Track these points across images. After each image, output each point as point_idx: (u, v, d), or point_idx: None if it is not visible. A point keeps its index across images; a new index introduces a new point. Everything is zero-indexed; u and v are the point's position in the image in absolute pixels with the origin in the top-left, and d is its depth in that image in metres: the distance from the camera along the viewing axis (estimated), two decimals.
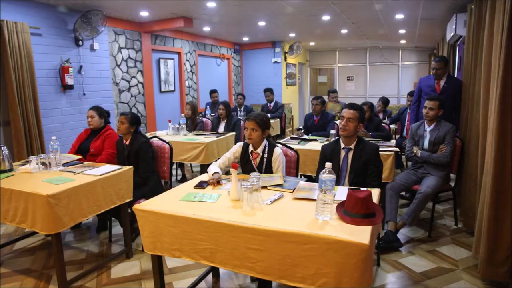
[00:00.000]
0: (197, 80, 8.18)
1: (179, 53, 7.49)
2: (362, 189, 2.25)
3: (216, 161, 2.83)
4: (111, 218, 3.43)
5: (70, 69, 4.87)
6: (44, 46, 4.64)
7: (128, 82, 6.14)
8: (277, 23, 7.08)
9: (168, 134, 4.85)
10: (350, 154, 2.73)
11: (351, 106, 2.71)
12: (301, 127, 4.85)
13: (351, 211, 1.80)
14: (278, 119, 6.78)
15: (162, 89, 7.03)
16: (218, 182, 2.44)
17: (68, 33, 4.96)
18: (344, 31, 8.06)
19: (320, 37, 9.26)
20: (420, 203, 3.31)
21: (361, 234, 1.64)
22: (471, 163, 3.55)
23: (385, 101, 6.27)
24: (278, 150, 2.78)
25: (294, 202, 2.10)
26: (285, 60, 10.20)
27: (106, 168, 2.84)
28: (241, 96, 7.40)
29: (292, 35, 8.77)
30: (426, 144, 3.67)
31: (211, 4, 5.12)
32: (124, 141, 3.34)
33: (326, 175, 1.78)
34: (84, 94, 5.20)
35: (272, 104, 7.05)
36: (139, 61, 6.33)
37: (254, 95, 10.23)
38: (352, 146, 2.73)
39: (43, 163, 2.88)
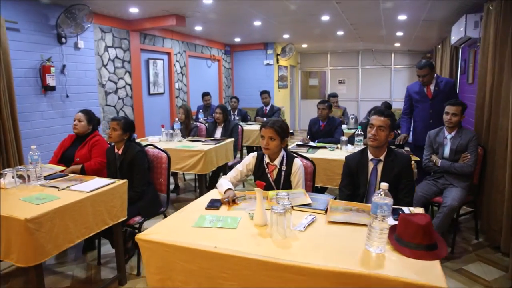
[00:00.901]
0: (187, 82, 7.77)
1: (169, 54, 7.08)
2: (412, 210, 1.93)
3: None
4: (100, 236, 3.01)
5: (51, 68, 4.41)
6: (23, 43, 4.17)
7: (115, 83, 5.70)
8: (273, 23, 6.76)
9: (161, 140, 4.44)
10: (380, 167, 2.40)
11: (381, 112, 2.38)
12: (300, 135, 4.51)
13: (411, 241, 1.46)
14: None
15: (151, 92, 6.60)
16: (233, 201, 2.07)
17: (50, 29, 4.50)
18: (340, 32, 7.80)
19: (314, 38, 8.98)
20: (446, 217, 3.01)
21: (432, 273, 1.30)
22: (496, 173, 3.28)
23: (387, 105, 6.00)
24: (298, 162, 2.43)
25: (330, 227, 1.75)
26: (277, 62, 9.89)
27: (96, 183, 2.43)
28: (235, 100, 7.02)
29: (286, 36, 8.46)
30: (446, 152, 3.39)
31: (208, 1, 4.75)
32: (116, 150, 2.93)
33: (382, 198, 1.44)
34: (67, 96, 4.73)
35: (268, 108, 6.70)
36: (127, 61, 5.89)
37: (246, 98, 9.87)
38: (382, 158, 2.40)
39: (21, 177, 2.45)
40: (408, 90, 4.11)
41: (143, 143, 3.35)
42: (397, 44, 9.51)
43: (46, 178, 2.58)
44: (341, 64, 11.73)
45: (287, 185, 2.41)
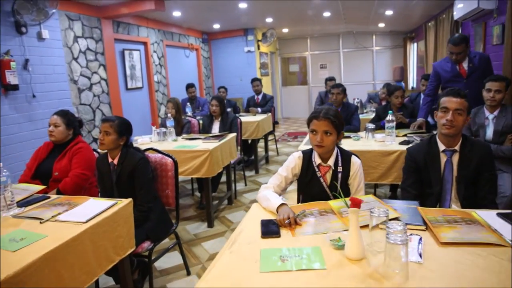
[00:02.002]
0: (166, 74, 7.07)
1: (145, 44, 6.36)
2: None
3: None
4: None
5: (12, 63, 3.67)
6: None
7: (89, 79, 4.96)
8: (259, 5, 6.19)
9: (152, 140, 3.81)
10: (455, 159, 1.92)
11: (457, 93, 1.89)
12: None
13: None
14: (270, 114, 5.90)
15: (129, 86, 5.89)
16: (295, 222, 1.53)
17: (6, 16, 3.74)
18: (326, 14, 7.32)
19: (297, 22, 8.47)
20: (507, 208, 2.59)
21: None
22: None
23: (389, 88, 5.57)
24: (356, 160, 1.92)
25: (447, 250, 1.25)
26: (258, 49, 9.31)
27: (93, 207, 1.82)
28: (223, 90, 6.44)
29: (269, 20, 7.90)
30: (489, 134, 2.98)
31: None
32: (110, 160, 2.30)
33: None
34: (33, 96, 4.00)
35: (260, 97, 6.14)
36: (100, 53, 5.15)
37: (227, 88, 9.24)
38: (457, 147, 1.92)
39: None
40: (436, 68, 3.65)
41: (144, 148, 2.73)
42: (381, 25, 9.14)
43: (20, 204, 1.94)
44: (322, 48, 11.29)
45: (345, 191, 1.90)
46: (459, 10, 5.05)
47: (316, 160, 1.91)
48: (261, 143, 6.14)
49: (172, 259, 2.86)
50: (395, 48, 10.67)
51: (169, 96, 7.13)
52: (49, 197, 2.05)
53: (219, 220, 3.69)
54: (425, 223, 1.43)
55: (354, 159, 1.92)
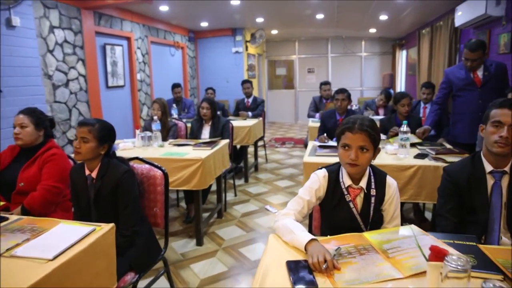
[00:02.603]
0: (150, 72, 6.64)
1: (128, 39, 5.92)
2: None
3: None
4: None
5: None
6: None
7: (66, 74, 4.50)
8: (251, 4, 5.87)
9: (135, 145, 3.40)
10: (505, 182, 1.63)
11: (511, 104, 1.59)
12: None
13: None
14: (260, 118, 5.56)
15: (110, 84, 5.43)
16: (334, 266, 1.18)
17: None
18: (319, 16, 7.07)
19: (288, 23, 8.19)
20: None
21: None
22: None
23: (387, 95, 5.35)
24: (392, 182, 1.61)
25: None
26: (246, 50, 8.98)
27: (64, 235, 1.43)
28: (211, 91, 6.06)
29: (259, 20, 7.58)
30: None
31: None
32: (87, 172, 1.90)
33: None
34: (0, 91, 3.52)
35: (250, 100, 5.79)
36: (79, 46, 4.69)
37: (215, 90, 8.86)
38: (507, 169, 1.63)
39: None
40: (448, 75, 3.40)
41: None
42: (372, 30, 8.98)
43: None
44: (310, 52, 11.06)
45: (378, 219, 1.58)
46: (460, 17, 4.87)
47: (345, 180, 1.58)
48: (250, 149, 5.79)
49: (158, 284, 2.47)
50: (384, 54, 10.55)
51: (152, 96, 6.69)
52: (7, 218, 1.64)
53: (209, 237, 3.31)
54: (499, 270, 1.12)
55: (389, 180, 1.60)
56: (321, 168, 1.68)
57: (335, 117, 3.71)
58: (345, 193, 1.58)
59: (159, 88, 6.95)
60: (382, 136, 3.00)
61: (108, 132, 1.90)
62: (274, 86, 11.88)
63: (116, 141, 3.68)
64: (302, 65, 11.20)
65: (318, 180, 1.62)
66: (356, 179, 1.57)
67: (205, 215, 3.58)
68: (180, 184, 2.95)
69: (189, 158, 2.93)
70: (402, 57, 9.78)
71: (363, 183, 1.57)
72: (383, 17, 6.98)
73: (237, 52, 8.74)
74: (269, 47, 11.21)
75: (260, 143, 6.05)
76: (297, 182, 4.90)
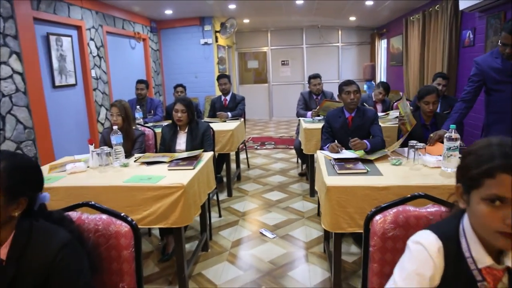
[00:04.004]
0: (107, 68, 5.67)
1: (78, 28, 4.93)
2: None
3: None
4: None
5: None
6: None
7: None
8: None
9: (90, 167, 2.54)
10: None
11: None
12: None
13: None
14: (242, 120, 4.77)
15: (57, 83, 4.45)
16: None
17: None
18: (299, 1, 6.36)
19: (263, 10, 7.41)
20: None
21: None
22: None
23: (386, 87, 4.73)
24: None
25: None
26: (216, 41, 8.14)
27: None
28: (181, 89, 5.21)
29: (231, 6, 6.75)
30: None
31: None
32: None
33: None
34: None
35: (228, 98, 4.98)
36: (11, 36, 3.70)
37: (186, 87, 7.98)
38: None
39: None
40: (480, 65, 2.77)
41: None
42: (352, 18, 8.39)
43: None
44: (283, 43, 10.36)
45: None
46: (465, 1, 4.30)
47: (478, 256, 0.86)
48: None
49: None
50: (362, 44, 10.04)
51: (111, 96, 5.73)
52: None
53: (194, 281, 2.52)
54: None
55: None
56: (425, 229, 0.94)
57: (343, 115, 2.98)
58: (479, 278, 0.86)
59: (119, 86, 6.00)
60: (418, 143, 2.32)
61: (25, 176, 1.06)
62: (246, 80, 11.08)
63: (64, 159, 2.81)
64: (275, 57, 10.48)
65: (428, 259, 0.88)
66: (495, 252, 0.85)
67: (187, 246, 2.79)
68: (154, 222, 2.14)
69: (166, 185, 2.11)
70: (382, 46, 9.28)
71: (509, 260, 0.85)
72: (369, 2, 6.37)
73: (206, 43, 7.88)
74: (239, 38, 10.39)
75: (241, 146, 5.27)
76: (290, 193, 4.18)
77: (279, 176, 4.89)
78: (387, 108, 4.78)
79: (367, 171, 2.18)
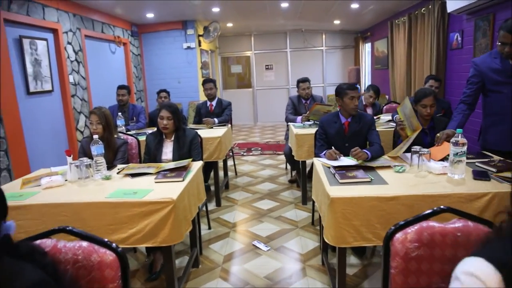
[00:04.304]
0: (86, 74, 5.41)
1: (55, 31, 4.67)
2: None
3: None
4: None
5: None
6: None
7: None
8: None
9: (68, 180, 2.31)
10: None
11: None
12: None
13: None
14: (229, 126, 4.59)
15: (32, 89, 4.18)
16: None
17: None
18: (284, 4, 6.26)
19: (248, 14, 7.28)
20: None
21: None
22: None
23: (376, 90, 4.64)
24: None
25: None
26: (199, 45, 7.95)
27: None
28: (165, 94, 5.00)
29: (215, 9, 6.59)
30: None
31: None
32: None
33: None
34: None
35: (214, 103, 4.80)
36: None
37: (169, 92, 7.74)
38: None
39: None
40: (478, 65, 2.68)
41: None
42: (336, 21, 8.34)
43: None
44: (267, 47, 10.25)
45: None
46: (453, 2, 4.27)
47: None
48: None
49: None
50: (346, 48, 10.02)
51: (90, 103, 5.47)
52: None
53: None
54: None
55: None
56: (474, 256, 0.79)
57: (339, 120, 2.84)
58: None
59: (99, 93, 5.74)
60: (422, 149, 2.19)
61: None
62: (229, 85, 10.92)
63: (40, 172, 2.57)
64: (259, 62, 10.35)
65: None
66: None
67: (176, 262, 2.58)
68: (141, 240, 1.93)
69: (153, 200, 1.92)
70: (366, 50, 9.28)
71: None
72: (354, 5, 6.31)
73: (189, 47, 7.68)
74: (222, 42, 10.23)
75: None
76: (282, 202, 4.02)
77: (268, 183, 4.73)
78: (377, 111, 4.70)
79: (371, 179, 2.04)
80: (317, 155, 2.77)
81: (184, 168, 2.41)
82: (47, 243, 1.11)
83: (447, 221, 1.23)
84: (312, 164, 4.54)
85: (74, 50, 5.11)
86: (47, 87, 4.52)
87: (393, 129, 3.46)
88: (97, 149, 2.36)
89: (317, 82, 10.05)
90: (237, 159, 6.09)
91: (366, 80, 9.39)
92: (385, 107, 5.15)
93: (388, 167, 2.28)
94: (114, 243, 1.13)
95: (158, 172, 2.37)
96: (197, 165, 2.58)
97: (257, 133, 9.04)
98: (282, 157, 5.87)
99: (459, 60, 4.66)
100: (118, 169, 2.55)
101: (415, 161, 2.17)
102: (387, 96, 7.19)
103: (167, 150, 2.94)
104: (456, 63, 4.72)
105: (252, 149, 6.95)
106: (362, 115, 2.86)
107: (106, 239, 1.13)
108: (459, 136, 2.01)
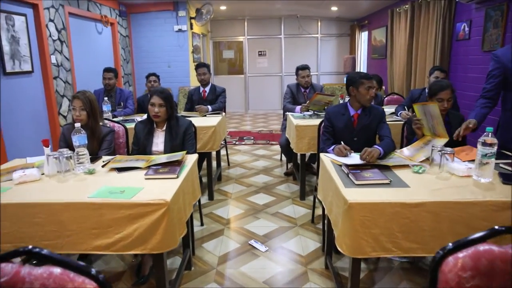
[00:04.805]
0: (70, 54, 5.05)
1: (34, 6, 4.29)
2: None
3: None
4: None
5: None
6: None
7: None
8: None
9: (46, 174, 2.04)
10: None
11: None
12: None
13: None
14: (224, 114, 4.32)
15: (9, 69, 3.83)
16: None
17: None
18: None
19: None
20: None
21: None
22: None
23: (379, 80, 4.42)
24: None
25: None
26: (191, 28, 7.59)
27: None
28: (155, 78, 4.68)
29: None
30: None
31: None
32: None
33: None
34: None
35: (207, 89, 4.51)
36: None
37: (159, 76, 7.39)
38: None
39: None
40: (499, 58, 2.47)
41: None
42: (334, 8, 8.06)
43: None
44: (261, 33, 9.91)
45: None
46: None
47: None
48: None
49: None
50: (341, 36, 9.75)
51: (75, 85, 5.12)
52: None
53: None
54: None
55: None
56: None
57: (347, 112, 2.60)
58: None
59: (85, 75, 5.39)
60: (446, 147, 1.97)
61: None
62: (220, 71, 10.57)
63: (14, 163, 2.29)
64: (252, 47, 10.02)
65: None
66: None
67: (173, 271, 2.35)
68: (128, 247, 1.68)
69: (144, 201, 1.66)
70: (362, 39, 9.04)
71: None
72: None
73: (180, 30, 7.32)
74: (214, 26, 9.85)
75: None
76: (278, 196, 3.80)
77: (263, 175, 4.50)
78: (378, 103, 4.47)
79: (390, 181, 1.82)
80: (323, 150, 2.54)
81: (178, 163, 2.15)
82: (6, 269, 0.85)
83: (500, 242, 1.01)
84: (309, 156, 4.36)
85: (56, 28, 4.73)
86: (26, 67, 4.16)
87: (400, 122, 3.27)
88: (79, 139, 2.09)
89: (312, 71, 9.75)
90: (230, 148, 5.84)
91: (361, 69, 9.17)
92: (386, 98, 4.93)
93: (406, 166, 2.06)
94: (94, 268, 0.88)
95: (148, 167, 2.11)
96: (192, 159, 2.33)
97: (249, 121, 8.78)
98: (276, 147, 5.65)
99: (465, 51, 4.46)
100: (104, 161, 2.28)
101: (437, 160, 1.96)
102: (383, 87, 6.99)
103: (158, 140, 2.67)
104: (462, 55, 4.51)
105: (245, 138, 6.70)
106: (372, 107, 2.62)
107: (84, 264, 0.88)
108: (489, 135, 1.79)
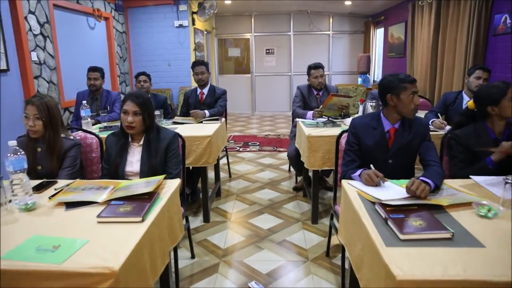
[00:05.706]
0: (55, 51, 4.52)
1: None
2: None
3: None
4: None
5: None
6: None
7: None
8: None
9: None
10: None
11: None
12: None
13: None
14: (223, 120, 3.75)
15: None
16: None
17: None
18: None
19: None
20: None
21: None
22: None
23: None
24: None
25: None
26: (193, 24, 7.04)
27: None
28: (145, 78, 4.14)
29: None
30: None
31: None
32: None
33: None
34: None
35: (206, 91, 3.94)
36: None
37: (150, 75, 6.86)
38: None
39: None
40: None
41: None
42: (348, 2, 7.43)
43: None
44: (269, 29, 9.31)
45: None
46: None
47: None
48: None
49: None
50: (355, 33, 9.12)
51: (60, 86, 4.60)
52: None
53: None
54: None
55: None
56: None
57: (381, 126, 1.98)
58: None
59: (73, 75, 4.86)
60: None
61: None
62: (226, 70, 10.01)
63: None
64: (259, 45, 9.43)
65: None
66: None
67: None
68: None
69: (81, 270, 1.09)
70: (377, 36, 8.40)
71: None
72: None
73: (181, 26, 6.78)
74: (219, 22, 9.29)
75: (222, 152, 4.26)
76: (286, 218, 3.21)
77: (268, 190, 3.92)
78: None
79: (452, 235, 1.23)
80: (346, 174, 1.93)
81: (149, 197, 1.58)
82: None
83: None
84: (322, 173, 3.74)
85: (38, 22, 4.21)
86: (1, 65, 3.65)
87: (436, 133, 2.68)
88: (13, 163, 1.53)
89: None
90: (232, 156, 5.27)
91: (376, 69, 8.54)
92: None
93: (468, 204, 1.46)
94: None
95: (108, 201, 1.54)
96: (173, 185, 1.76)
97: (255, 123, 8.21)
98: (284, 155, 5.07)
99: (504, 47, 3.82)
100: (55, 189, 1.72)
101: (508, 195, 1.36)
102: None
103: (133, 159, 2.11)
104: (502, 51, 3.88)
105: (250, 143, 6.12)
106: (415, 119, 1.99)
107: None
108: None
